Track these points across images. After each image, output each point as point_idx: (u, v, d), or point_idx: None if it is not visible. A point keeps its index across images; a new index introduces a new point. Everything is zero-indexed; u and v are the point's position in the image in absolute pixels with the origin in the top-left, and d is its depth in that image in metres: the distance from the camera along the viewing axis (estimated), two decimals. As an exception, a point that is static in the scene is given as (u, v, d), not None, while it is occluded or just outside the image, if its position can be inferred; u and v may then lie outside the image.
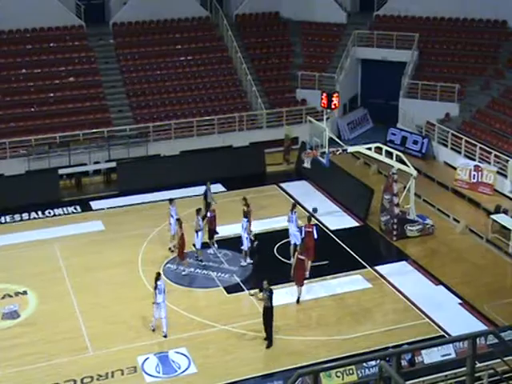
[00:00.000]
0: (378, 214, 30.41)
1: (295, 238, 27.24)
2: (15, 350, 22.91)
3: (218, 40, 43.05)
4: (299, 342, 23.13)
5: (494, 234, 29.06)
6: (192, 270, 27.31)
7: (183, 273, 27.06)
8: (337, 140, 31.70)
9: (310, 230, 26.73)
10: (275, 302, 23.59)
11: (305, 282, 25.55)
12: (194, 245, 27.88)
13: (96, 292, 26.06)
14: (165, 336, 23.41)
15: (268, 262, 27.82)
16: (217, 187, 33.79)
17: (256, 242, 28.50)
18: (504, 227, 28.77)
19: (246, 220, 27.56)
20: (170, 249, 28.55)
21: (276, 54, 43.57)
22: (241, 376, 21.52)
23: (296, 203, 29.86)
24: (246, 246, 27.51)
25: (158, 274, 23.93)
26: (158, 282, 23.44)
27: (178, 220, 27.37)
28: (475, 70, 39.44)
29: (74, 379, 21.53)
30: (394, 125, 38.88)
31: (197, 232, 27.49)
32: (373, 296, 25.73)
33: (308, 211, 30.64)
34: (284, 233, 28.42)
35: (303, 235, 26.68)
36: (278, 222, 30.06)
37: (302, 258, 25.24)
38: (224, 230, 29.52)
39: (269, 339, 22.96)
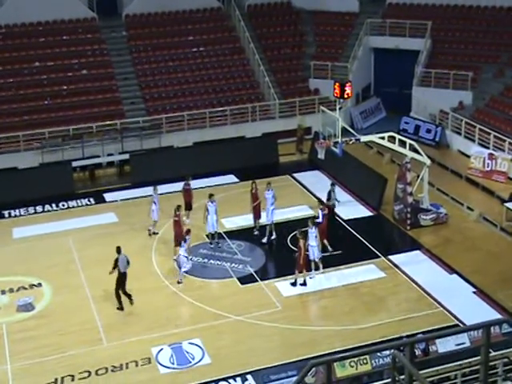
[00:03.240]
0: (392, 203, 30.33)
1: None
2: (30, 342, 23.01)
3: (230, 31, 42.98)
4: (313, 332, 23.12)
5: (508, 222, 28.91)
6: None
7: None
8: (350, 129, 31.55)
9: (326, 212, 27.11)
10: (288, 292, 23.53)
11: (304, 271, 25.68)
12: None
13: (110, 284, 26.02)
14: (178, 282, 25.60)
15: (281, 253, 27.79)
16: (230, 178, 33.81)
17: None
18: (518, 215, 28.65)
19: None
20: (149, 231, 29.23)
21: (288, 43, 43.45)
22: (254, 366, 21.52)
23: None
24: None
25: (189, 231, 26.09)
26: (187, 237, 25.59)
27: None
28: (488, 58, 39.19)
29: (88, 370, 21.60)
30: (407, 114, 38.71)
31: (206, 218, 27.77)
32: (386, 285, 25.66)
33: (318, 198, 30.53)
34: (297, 223, 28.36)
35: (321, 219, 26.92)
36: (291, 212, 30.03)
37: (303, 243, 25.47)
38: (237, 221, 29.52)
39: None
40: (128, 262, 24.36)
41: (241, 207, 29.71)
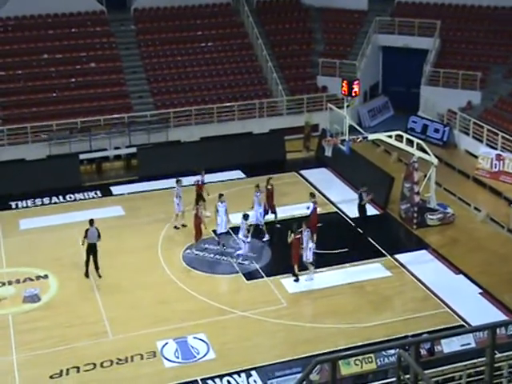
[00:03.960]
0: (398, 202, 30.33)
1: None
2: (35, 334, 23.06)
3: (239, 26, 42.97)
4: (318, 330, 23.12)
5: (515, 223, 28.92)
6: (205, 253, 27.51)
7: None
8: (357, 127, 31.60)
9: (317, 205, 27.83)
10: (294, 289, 23.55)
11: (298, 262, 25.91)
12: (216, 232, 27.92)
13: (116, 277, 26.18)
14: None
15: (287, 249, 27.72)
16: (236, 174, 33.84)
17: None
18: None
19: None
20: (175, 227, 29.25)
21: (297, 40, 43.43)
22: (259, 363, 21.52)
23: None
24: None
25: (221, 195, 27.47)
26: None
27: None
28: (497, 58, 39.14)
29: (93, 363, 21.64)
30: (415, 113, 38.70)
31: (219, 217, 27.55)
32: (392, 284, 25.67)
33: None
34: (304, 220, 28.31)
35: (311, 212, 27.47)
36: (297, 210, 30.02)
37: (298, 237, 25.56)
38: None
39: None
40: (99, 235, 25.78)
41: (247, 203, 29.62)
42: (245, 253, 26.86)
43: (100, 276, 25.99)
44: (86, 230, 25.72)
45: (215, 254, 27.46)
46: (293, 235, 25.40)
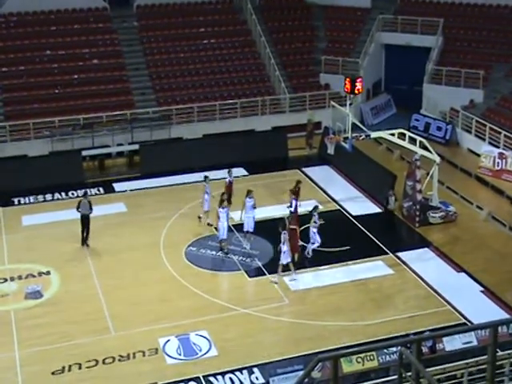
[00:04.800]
0: (401, 200, 30.31)
1: None
2: (38, 330, 23.10)
3: (242, 24, 42.94)
4: (320, 327, 23.15)
5: (517, 222, 28.94)
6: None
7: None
8: (360, 125, 31.63)
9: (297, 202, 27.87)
10: (296, 287, 23.59)
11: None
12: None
13: (118, 273, 26.21)
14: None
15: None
16: (239, 171, 33.86)
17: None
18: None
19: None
20: (208, 224, 28.91)
21: (299, 38, 43.39)
22: (261, 360, 21.55)
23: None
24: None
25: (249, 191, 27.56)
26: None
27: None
28: (500, 57, 39.10)
29: (95, 359, 21.68)
30: (417, 111, 38.67)
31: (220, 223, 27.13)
32: (394, 282, 25.70)
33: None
34: (306, 217, 28.36)
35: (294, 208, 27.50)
36: (300, 207, 29.96)
37: (294, 227, 25.81)
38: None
39: None
40: (90, 207, 27.70)
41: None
42: (315, 245, 26.76)
43: (88, 245, 27.78)
44: (79, 202, 27.66)
45: (218, 251, 27.45)
46: (286, 227, 25.74)
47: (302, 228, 27.21)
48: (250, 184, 31.86)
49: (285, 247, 25.22)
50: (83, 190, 29.40)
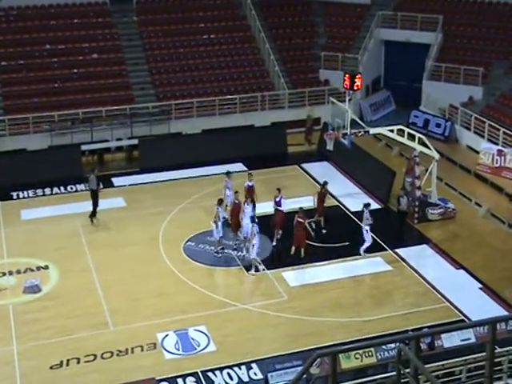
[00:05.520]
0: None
1: None
2: (36, 324, 23.11)
3: (241, 19, 42.90)
4: (318, 323, 23.17)
5: (516, 219, 28.95)
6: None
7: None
8: (359, 121, 31.65)
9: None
10: (295, 282, 23.62)
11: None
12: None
13: (117, 268, 26.22)
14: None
15: (289, 242, 27.76)
16: (238, 166, 33.85)
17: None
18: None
19: None
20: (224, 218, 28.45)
21: (299, 34, 43.37)
22: (260, 355, 21.57)
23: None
24: None
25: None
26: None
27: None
28: (499, 54, 39.11)
29: (94, 354, 21.69)
30: (416, 107, 38.67)
31: (216, 223, 26.81)
32: (393, 279, 25.72)
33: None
34: (305, 213, 28.37)
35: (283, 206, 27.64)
36: (299, 203, 29.96)
37: (302, 220, 26.13)
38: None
39: None
40: (98, 183, 29.04)
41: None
42: (368, 242, 26.75)
43: (92, 221, 28.84)
44: (88, 178, 29.23)
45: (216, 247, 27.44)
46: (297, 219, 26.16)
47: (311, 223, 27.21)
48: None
49: (254, 240, 25.35)
50: (91, 168, 30.47)
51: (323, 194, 28.87)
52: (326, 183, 29.12)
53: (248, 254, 25.85)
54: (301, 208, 26.86)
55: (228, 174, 29.32)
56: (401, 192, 28.87)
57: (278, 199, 27.62)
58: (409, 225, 29.37)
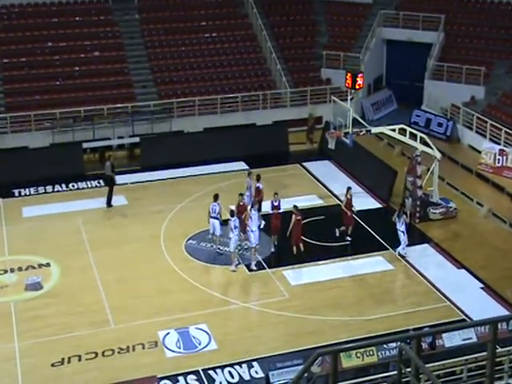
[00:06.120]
0: (401, 195, 30.29)
1: None
2: (37, 321, 23.10)
3: (243, 17, 42.89)
4: (319, 322, 23.16)
5: (517, 218, 28.93)
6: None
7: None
8: (361, 121, 31.65)
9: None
10: (296, 281, 23.66)
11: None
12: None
13: (118, 266, 26.21)
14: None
15: (290, 241, 27.77)
16: (239, 165, 33.86)
17: None
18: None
19: None
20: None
21: (301, 32, 43.35)
22: (260, 354, 21.57)
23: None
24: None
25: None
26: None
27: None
28: (502, 53, 39.08)
29: (95, 351, 21.69)
30: (418, 106, 38.66)
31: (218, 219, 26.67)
32: (394, 278, 25.73)
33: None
34: (307, 212, 28.41)
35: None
36: (300, 202, 29.94)
37: (300, 218, 26.05)
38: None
39: None
40: (112, 170, 30.22)
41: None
42: (404, 242, 26.61)
43: (110, 206, 30.21)
44: (104, 165, 30.82)
45: (218, 245, 27.42)
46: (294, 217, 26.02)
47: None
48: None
49: (231, 234, 25.45)
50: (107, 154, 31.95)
51: (350, 200, 27.97)
52: (350, 188, 28.35)
53: (228, 248, 25.73)
54: (295, 206, 26.69)
55: (249, 174, 29.14)
56: (406, 193, 28.81)
57: (276, 203, 27.09)
58: (410, 224, 29.28)
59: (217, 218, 26.52)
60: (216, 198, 26.76)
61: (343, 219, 27.99)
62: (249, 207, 26.25)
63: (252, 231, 25.66)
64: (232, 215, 25.91)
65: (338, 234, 27.89)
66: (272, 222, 26.99)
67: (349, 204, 27.91)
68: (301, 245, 26.46)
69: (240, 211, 26.59)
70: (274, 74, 40.43)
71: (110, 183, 30.32)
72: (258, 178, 28.79)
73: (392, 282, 25.46)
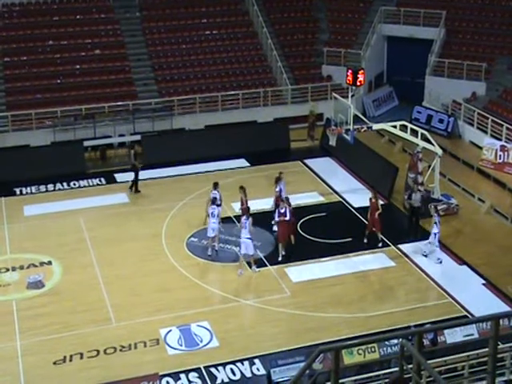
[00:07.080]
0: (402, 192, 30.30)
1: None
2: (39, 320, 23.12)
3: (244, 15, 42.86)
4: (321, 319, 23.17)
5: (519, 214, 28.91)
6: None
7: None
8: (362, 117, 31.61)
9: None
10: (298, 278, 23.64)
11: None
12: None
13: (120, 264, 26.23)
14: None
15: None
16: (241, 162, 33.84)
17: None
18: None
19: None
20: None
21: (302, 29, 43.30)
22: (262, 351, 21.58)
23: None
24: None
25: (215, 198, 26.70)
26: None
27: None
28: (503, 49, 39.01)
29: (97, 349, 21.72)
30: (419, 103, 38.57)
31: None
32: (396, 274, 25.71)
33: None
34: (308, 209, 28.42)
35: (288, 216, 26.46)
36: (301, 199, 30.02)
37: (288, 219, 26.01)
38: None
39: None
40: (135, 158, 31.50)
41: (251, 192, 29.58)
42: (432, 242, 26.37)
43: (132, 190, 31.42)
44: (128, 154, 32.18)
45: (219, 243, 27.40)
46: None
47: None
48: (251, 176, 31.99)
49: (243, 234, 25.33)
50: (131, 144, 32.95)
51: (375, 203, 27.32)
52: (375, 191, 27.93)
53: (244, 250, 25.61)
54: (286, 198, 26.69)
55: (280, 174, 28.78)
56: (414, 187, 28.69)
57: (282, 210, 26.16)
58: (412, 220, 29.31)
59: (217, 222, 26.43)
60: (215, 186, 26.95)
61: (374, 225, 27.20)
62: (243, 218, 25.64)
63: (244, 240, 25.11)
64: (215, 204, 26.01)
65: (366, 241, 27.41)
66: (278, 229, 26.54)
67: (374, 208, 27.12)
68: (292, 237, 26.40)
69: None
70: (275, 71, 40.41)
71: (135, 171, 31.24)
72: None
73: (393, 279, 25.42)
